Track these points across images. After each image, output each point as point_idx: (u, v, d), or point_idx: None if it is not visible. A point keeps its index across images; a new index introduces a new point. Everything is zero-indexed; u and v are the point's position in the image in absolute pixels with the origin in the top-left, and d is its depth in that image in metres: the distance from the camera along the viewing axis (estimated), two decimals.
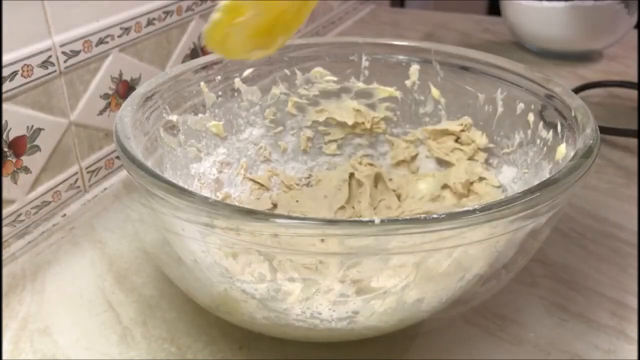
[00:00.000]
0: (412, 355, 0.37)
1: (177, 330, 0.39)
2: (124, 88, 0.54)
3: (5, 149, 0.44)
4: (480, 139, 0.46)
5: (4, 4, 0.42)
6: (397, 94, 0.49)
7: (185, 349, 0.38)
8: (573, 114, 0.37)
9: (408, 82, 0.49)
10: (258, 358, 0.37)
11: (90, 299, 0.42)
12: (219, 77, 0.46)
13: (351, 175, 0.47)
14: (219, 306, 0.36)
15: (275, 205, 0.46)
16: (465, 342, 0.38)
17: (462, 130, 0.47)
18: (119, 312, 0.41)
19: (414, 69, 0.48)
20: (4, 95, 0.43)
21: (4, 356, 0.37)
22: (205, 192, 0.44)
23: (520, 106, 0.43)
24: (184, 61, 0.60)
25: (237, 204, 0.46)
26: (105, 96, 0.52)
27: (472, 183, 0.46)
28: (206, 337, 0.38)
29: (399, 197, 0.47)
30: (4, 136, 0.44)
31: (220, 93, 0.46)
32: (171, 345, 0.38)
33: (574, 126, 0.37)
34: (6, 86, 0.43)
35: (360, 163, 0.49)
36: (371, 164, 0.49)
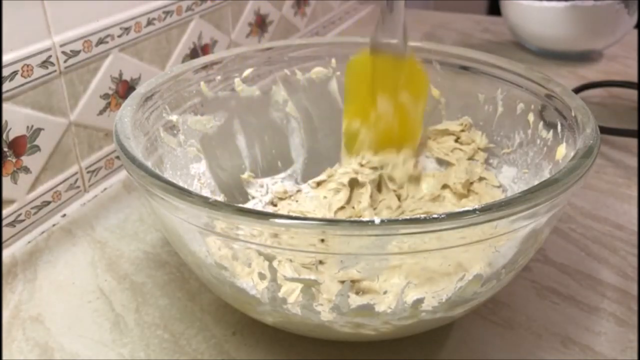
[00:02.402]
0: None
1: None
2: (124, 88, 0.54)
3: (5, 149, 0.44)
4: (480, 139, 0.46)
5: (4, 4, 0.42)
6: None
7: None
8: (573, 114, 0.37)
9: None
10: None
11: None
12: (219, 77, 0.46)
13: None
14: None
15: (275, 205, 0.46)
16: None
17: (462, 130, 0.47)
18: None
19: None
20: (4, 95, 0.43)
21: None
22: (205, 192, 0.44)
23: (520, 106, 0.43)
24: (184, 61, 0.60)
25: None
26: (105, 96, 0.52)
27: (472, 183, 0.46)
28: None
29: (399, 197, 0.47)
30: (4, 136, 0.44)
31: (220, 93, 0.46)
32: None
33: (574, 126, 0.37)
34: (6, 86, 0.43)
35: (362, 165, 0.49)
36: (374, 168, 0.49)
